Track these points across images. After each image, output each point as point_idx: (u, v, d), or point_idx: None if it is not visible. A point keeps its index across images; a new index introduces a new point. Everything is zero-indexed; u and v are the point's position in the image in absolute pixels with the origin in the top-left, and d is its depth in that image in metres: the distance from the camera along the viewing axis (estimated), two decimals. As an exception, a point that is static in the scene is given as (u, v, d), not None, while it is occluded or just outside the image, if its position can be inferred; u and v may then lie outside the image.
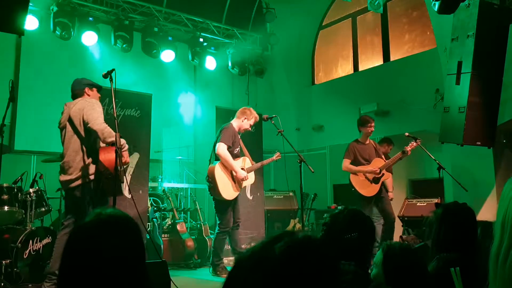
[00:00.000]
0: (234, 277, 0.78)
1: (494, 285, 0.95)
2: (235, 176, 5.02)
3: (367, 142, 5.66)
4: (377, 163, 5.49)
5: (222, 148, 4.92)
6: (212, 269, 5.14)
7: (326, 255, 0.78)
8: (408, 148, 5.41)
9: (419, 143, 5.40)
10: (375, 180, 5.45)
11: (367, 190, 5.43)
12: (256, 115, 5.29)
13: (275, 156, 5.51)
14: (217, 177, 4.91)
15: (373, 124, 5.58)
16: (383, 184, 5.62)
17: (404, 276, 1.75)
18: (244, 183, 5.15)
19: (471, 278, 1.89)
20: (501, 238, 0.95)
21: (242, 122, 5.19)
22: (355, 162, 5.50)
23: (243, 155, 5.37)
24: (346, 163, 5.50)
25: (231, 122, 5.23)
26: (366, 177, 5.44)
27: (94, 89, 4.11)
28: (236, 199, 5.16)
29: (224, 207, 5.04)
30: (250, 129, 5.30)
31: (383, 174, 5.48)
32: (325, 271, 0.76)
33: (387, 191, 5.80)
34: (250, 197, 6.61)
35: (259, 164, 5.46)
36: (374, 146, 5.71)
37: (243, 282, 0.75)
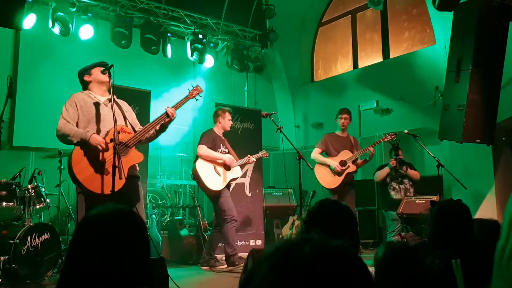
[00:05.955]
0: (254, 272, 0.72)
1: (498, 283, 0.95)
2: (222, 162, 5.30)
3: (345, 135, 5.73)
4: (344, 155, 5.51)
5: (201, 148, 5.27)
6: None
7: (360, 268, 0.72)
8: (371, 149, 5.45)
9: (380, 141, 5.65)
10: (339, 173, 5.44)
11: (329, 181, 5.45)
12: (226, 109, 5.56)
13: (262, 153, 5.68)
14: (199, 171, 5.18)
15: (343, 116, 5.63)
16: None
17: (401, 279, 1.74)
18: (230, 175, 5.36)
19: (466, 274, 1.90)
20: (507, 238, 0.94)
21: (220, 123, 5.47)
22: (328, 153, 5.62)
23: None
24: (315, 152, 5.67)
25: (212, 127, 5.53)
26: (331, 169, 5.46)
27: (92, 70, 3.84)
28: (228, 196, 5.35)
29: (216, 200, 5.27)
30: (232, 123, 5.57)
31: (348, 167, 5.46)
32: (353, 282, 0.69)
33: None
34: (249, 194, 6.59)
35: (243, 160, 5.50)
36: (352, 141, 5.73)
37: (263, 277, 0.69)
